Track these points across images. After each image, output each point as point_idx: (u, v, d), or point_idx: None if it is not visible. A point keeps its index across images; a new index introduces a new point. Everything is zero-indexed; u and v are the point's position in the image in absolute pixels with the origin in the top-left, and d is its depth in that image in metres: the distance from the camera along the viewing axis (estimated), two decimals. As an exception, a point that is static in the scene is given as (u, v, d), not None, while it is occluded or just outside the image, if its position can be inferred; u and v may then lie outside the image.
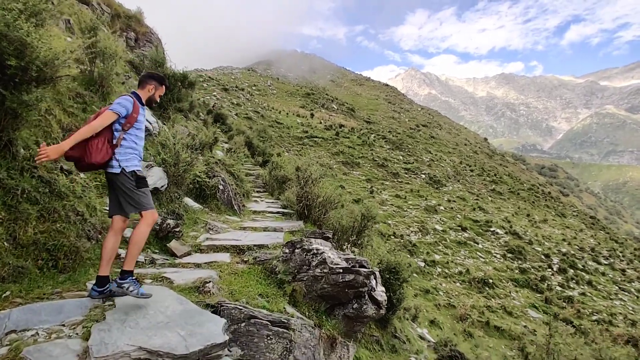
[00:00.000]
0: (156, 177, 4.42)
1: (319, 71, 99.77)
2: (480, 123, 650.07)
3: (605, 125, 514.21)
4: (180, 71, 8.20)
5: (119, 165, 2.65)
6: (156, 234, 3.67)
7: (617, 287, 22.18)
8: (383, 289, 3.09)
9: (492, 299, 18.13)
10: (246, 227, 5.45)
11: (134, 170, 2.69)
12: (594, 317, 17.39)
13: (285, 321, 2.23)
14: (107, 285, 2.39)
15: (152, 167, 4.61)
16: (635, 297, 21.20)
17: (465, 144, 69.92)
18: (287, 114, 43.46)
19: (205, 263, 3.28)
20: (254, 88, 52.34)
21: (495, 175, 46.68)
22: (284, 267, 2.92)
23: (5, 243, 2.37)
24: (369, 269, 2.90)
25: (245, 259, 3.49)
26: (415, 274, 18.53)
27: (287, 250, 3.08)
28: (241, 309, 2.18)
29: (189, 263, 3.30)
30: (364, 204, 6.46)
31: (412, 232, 24.85)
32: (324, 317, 2.80)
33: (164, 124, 7.02)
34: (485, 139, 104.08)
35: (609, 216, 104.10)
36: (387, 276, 5.03)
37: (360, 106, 69.33)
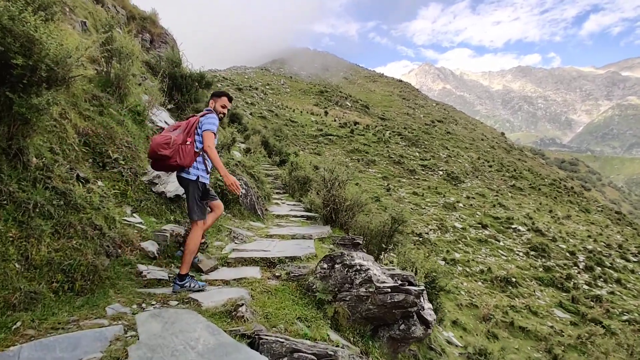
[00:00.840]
0: (177, 184, 4.17)
1: (332, 68, 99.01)
2: (497, 117, 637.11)
3: (627, 117, 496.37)
4: (197, 71, 7.95)
5: (195, 174, 3.10)
6: (180, 246, 3.40)
7: (647, 286, 21.18)
8: (431, 306, 2.74)
9: (516, 299, 17.54)
10: (273, 234, 5.18)
11: (204, 183, 3.15)
12: (625, 317, 16.65)
13: (332, 353, 1.91)
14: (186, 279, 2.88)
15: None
16: (669, 297, 20.16)
17: (482, 139, 68.34)
18: (301, 112, 43.16)
19: (234, 280, 2.97)
20: (267, 87, 52.24)
21: (514, 170, 45.42)
22: (323, 285, 2.59)
23: (16, 265, 2.11)
24: (417, 286, 2.56)
25: (277, 274, 3.17)
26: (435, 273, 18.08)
27: (325, 266, 2.74)
28: (282, 342, 1.87)
29: (216, 280, 3.00)
30: (394, 206, 6.09)
31: (430, 230, 24.27)
32: (369, 342, 2.47)
33: (182, 125, 6.84)
34: (502, 134, 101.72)
35: (634, 211, 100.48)
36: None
37: (374, 103, 68.54)
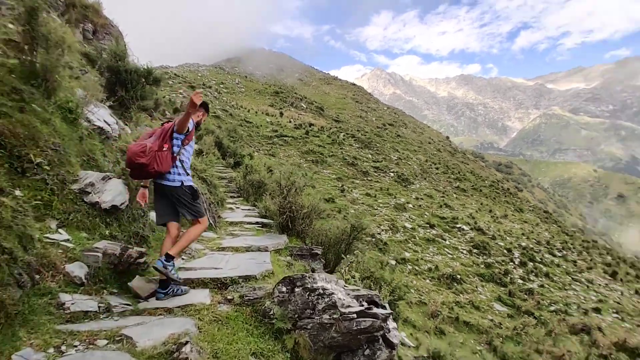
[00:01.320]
0: (115, 192, 3.56)
1: (287, 69, 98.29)
2: (442, 122, 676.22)
3: (552, 125, 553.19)
4: (143, 66, 7.26)
5: (179, 180, 3.21)
6: (115, 267, 2.90)
7: (570, 278, 23.47)
8: (396, 325, 2.59)
9: (461, 295, 18.45)
10: (225, 247, 4.74)
11: (191, 185, 3.27)
12: (552, 308, 18.19)
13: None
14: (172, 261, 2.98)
15: (110, 178, 3.75)
16: (586, 287, 22.51)
17: (430, 142, 71.96)
18: (256, 112, 42.23)
19: (179, 307, 2.57)
20: (221, 86, 50.38)
21: (459, 172, 48.29)
22: (282, 311, 2.34)
23: None
24: (383, 307, 2.40)
25: (229, 297, 2.83)
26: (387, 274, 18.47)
27: (284, 289, 2.46)
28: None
29: (157, 309, 2.58)
30: (355, 212, 5.95)
31: (382, 230, 24.86)
32: (334, 374, 2.28)
33: (126, 124, 6.04)
34: (447, 137, 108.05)
35: (557, 209, 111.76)
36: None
37: (328, 105, 69.17)
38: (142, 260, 3.04)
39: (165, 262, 2.88)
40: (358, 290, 2.59)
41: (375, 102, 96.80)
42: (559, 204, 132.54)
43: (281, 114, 44.73)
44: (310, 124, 42.59)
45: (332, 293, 2.26)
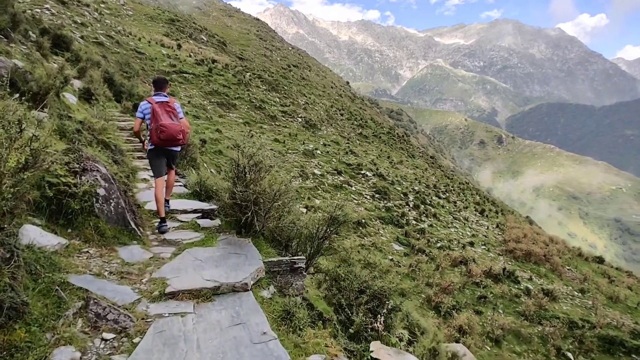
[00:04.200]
0: None
1: None
2: (342, 66, 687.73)
3: (436, 76, 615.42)
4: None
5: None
6: None
7: (451, 217, 27.30)
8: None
9: (365, 238, 19.76)
10: (175, 290, 2.77)
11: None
12: (439, 244, 20.92)
13: None
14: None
15: None
16: (463, 224, 26.58)
17: (332, 87, 72.51)
18: (149, 42, 35.26)
19: None
20: (102, 6, 40.00)
21: (361, 119, 50.20)
22: None
23: None
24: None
25: None
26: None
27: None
28: None
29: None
30: (337, 201, 4.98)
31: (293, 177, 24.60)
32: None
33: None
34: (348, 83, 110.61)
35: (435, 154, 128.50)
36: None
37: (231, 40, 62.44)
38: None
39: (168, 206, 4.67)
40: None
41: (279, 40, 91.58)
42: (437, 148, 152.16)
43: (179, 47, 38.51)
44: (214, 61, 37.87)
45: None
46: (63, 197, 2.97)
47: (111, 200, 3.41)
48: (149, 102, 4.31)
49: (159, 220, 4.22)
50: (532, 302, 14.44)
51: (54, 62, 10.70)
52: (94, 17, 32.74)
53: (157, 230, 4.16)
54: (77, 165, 3.18)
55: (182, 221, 4.52)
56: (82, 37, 24.77)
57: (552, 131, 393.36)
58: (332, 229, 4.48)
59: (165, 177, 4.47)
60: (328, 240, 4.54)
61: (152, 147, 4.36)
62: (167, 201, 4.54)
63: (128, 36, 33.56)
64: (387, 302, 4.06)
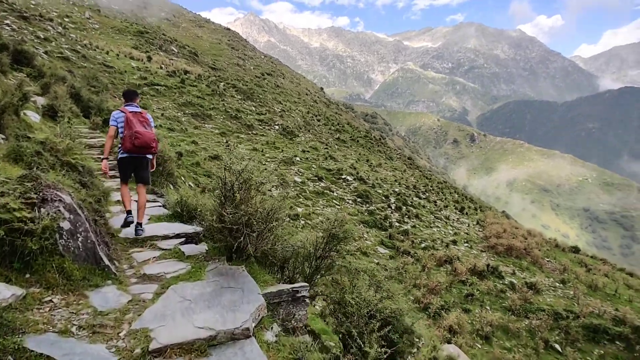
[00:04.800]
0: None
1: (151, 6, 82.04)
2: (315, 73, 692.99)
3: (407, 79, 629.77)
4: None
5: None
6: None
7: (433, 217, 27.59)
8: None
9: (350, 243, 19.57)
10: (152, 342, 2.33)
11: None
12: (423, 245, 20.98)
13: None
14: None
15: None
16: (445, 223, 26.91)
17: (307, 94, 72.63)
18: (118, 55, 34.03)
19: None
20: (67, 20, 38.30)
21: (338, 124, 50.40)
22: None
23: None
24: None
25: None
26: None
27: None
28: None
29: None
30: (335, 215, 4.71)
31: (273, 187, 24.21)
32: None
33: None
34: (322, 89, 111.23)
35: (412, 155, 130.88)
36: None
37: (203, 50, 61.50)
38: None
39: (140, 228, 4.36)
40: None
41: (251, 49, 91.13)
42: (413, 149, 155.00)
43: (149, 59, 37.40)
44: (186, 72, 37.03)
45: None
46: (18, 235, 2.49)
47: (78, 235, 2.91)
48: (122, 112, 4.41)
49: (125, 212, 4.34)
50: (517, 297, 14.66)
51: (14, 79, 10.04)
52: (58, 32, 31.34)
53: (121, 226, 4.32)
54: (35, 196, 2.73)
55: (163, 249, 4.00)
56: (46, 52, 23.69)
57: (520, 127, 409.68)
58: (331, 246, 4.26)
59: (136, 196, 4.50)
60: (328, 259, 4.30)
61: (125, 155, 4.38)
62: (139, 224, 4.30)
63: (95, 50, 32.32)
64: (399, 326, 3.87)
